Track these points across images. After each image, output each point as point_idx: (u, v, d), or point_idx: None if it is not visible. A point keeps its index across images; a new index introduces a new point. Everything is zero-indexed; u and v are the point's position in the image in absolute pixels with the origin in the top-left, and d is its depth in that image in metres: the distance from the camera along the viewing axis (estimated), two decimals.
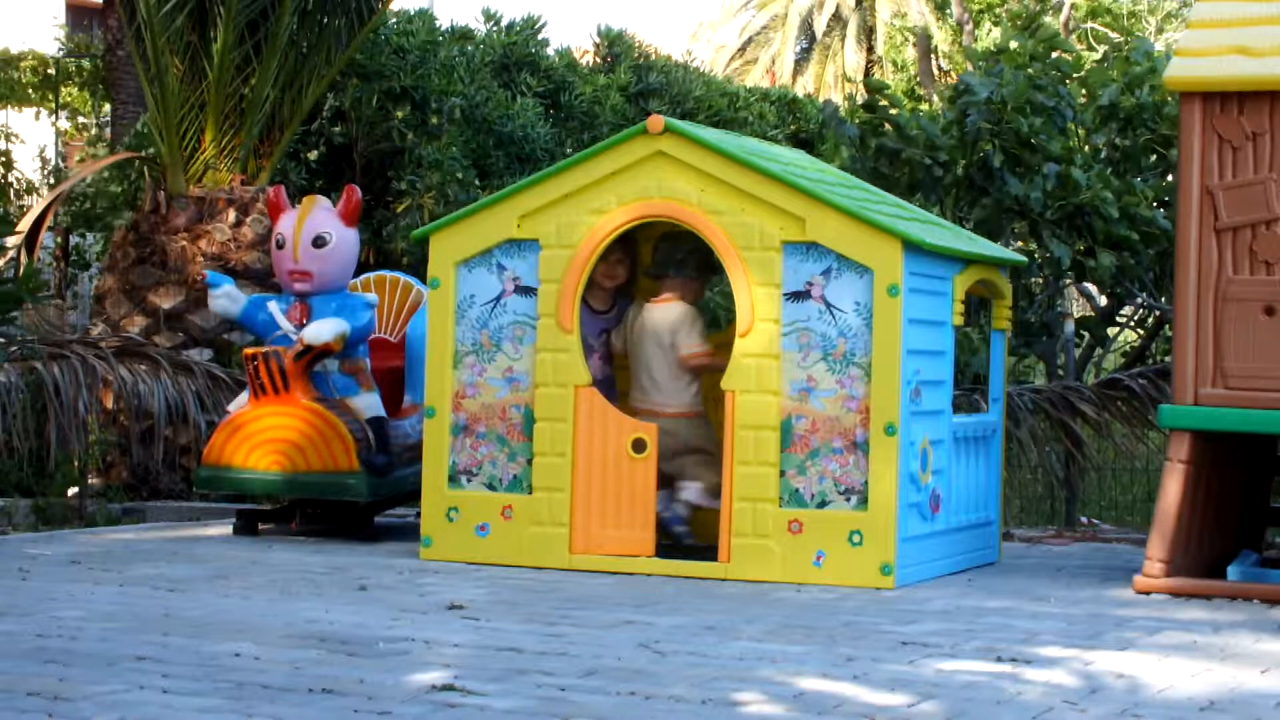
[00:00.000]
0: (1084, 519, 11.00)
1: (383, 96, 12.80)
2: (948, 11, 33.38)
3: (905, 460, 7.60)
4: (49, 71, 18.67)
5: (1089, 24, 29.84)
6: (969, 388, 10.57)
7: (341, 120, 12.95)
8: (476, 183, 12.48)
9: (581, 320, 8.07)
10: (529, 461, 8.03)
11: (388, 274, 9.92)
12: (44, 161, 16.07)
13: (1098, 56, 12.10)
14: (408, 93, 12.81)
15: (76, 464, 10.72)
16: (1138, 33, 24.57)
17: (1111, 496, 11.86)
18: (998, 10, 30.75)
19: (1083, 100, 11.73)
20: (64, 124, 19.13)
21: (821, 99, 20.42)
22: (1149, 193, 11.14)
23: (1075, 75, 11.69)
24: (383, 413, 9.10)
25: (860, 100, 11.88)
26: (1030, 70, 11.30)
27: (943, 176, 11.32)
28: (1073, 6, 29.68)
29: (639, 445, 7.91)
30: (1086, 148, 11.60)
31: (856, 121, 11.55)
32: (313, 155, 12.98)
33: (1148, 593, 7.43)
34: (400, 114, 12.63)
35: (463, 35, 13.97)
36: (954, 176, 11.33)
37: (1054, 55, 11.68)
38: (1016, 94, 10.98)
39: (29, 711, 4.72)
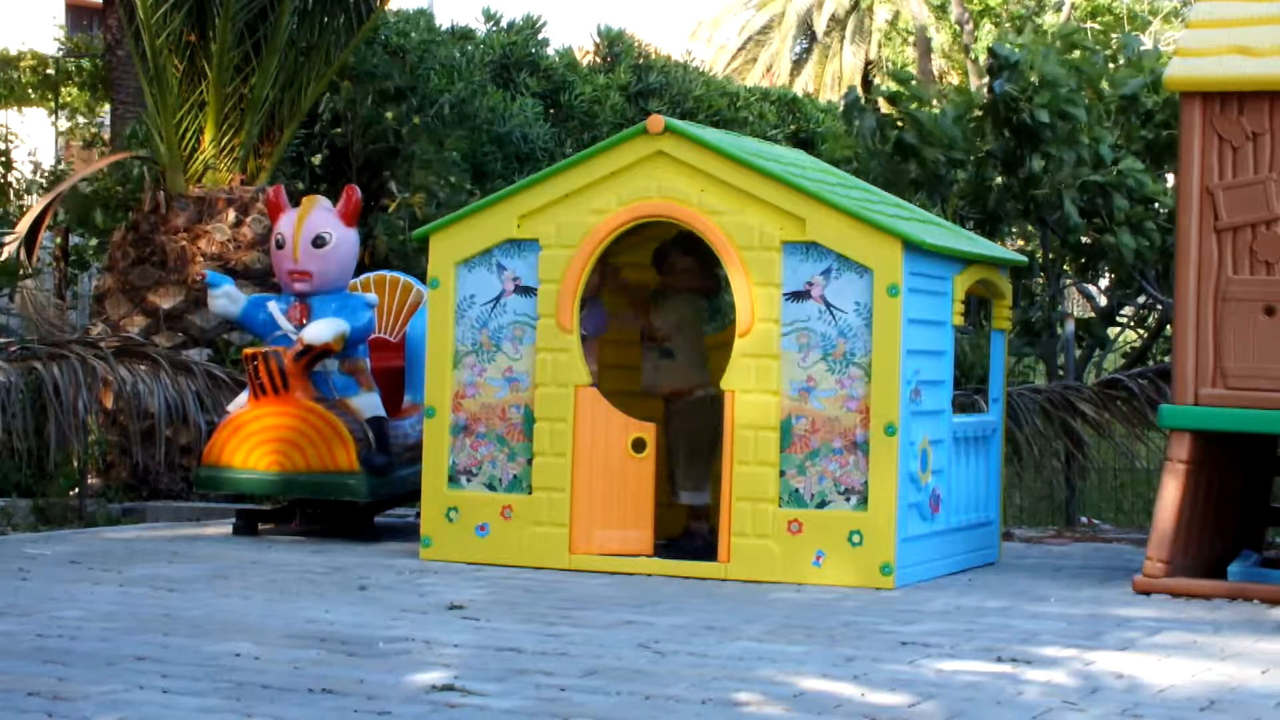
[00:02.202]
0: (1084, 519, 11.01)
1: (378, 97, 12.80)
2: (947, 10, 33.37)
3: (905, 460, 7.59)
4: (49, 71, 18.67)
5: (1089, 24, 29.84)
6: (970, 388, 10.56)
7: (340, 122, 12.95)
8: (469, 186, 12.46)
9: (590, 317, 8.14)
10: (529, 461, 8.03)
11: (388, 274, 9.92)
12: (37, 165, 16.06)
13: (1094, 55, 12.06)
14: (402, 93, 12.81)
15: (76, 464, 10.71)
16: (1132, 31, 24.58)
17: (1111, 496, 11.86)
18: (997, 10, 30.75)
19: (1086, 98, 11.72)
20: (64, 124, 19.13)
21: (821, 99, 20.42)
22: (1167, 190, 11.14)
23: (1086, 75, 11.68)
24: (383, 413, 9.10)
25: (881, 92, 11.86)
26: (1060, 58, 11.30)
27: (947, 174, 11.31)
28: (1073, 6, 29.68)
29: (639, 445, 7.91)
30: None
31: (875, 113, 11.54)
32: (316, 159, 12.97)
33: (1148, 593, 7.43)
34: (390, 114, 12.63)
35: (463, 35, 13.96)
36: (976, 159, 11.28)
37: (1073, 54, 11.69)
38: (1047, 69, 10.97)
39: (29, 711, 4.71)
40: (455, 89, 12.85)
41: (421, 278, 9.65)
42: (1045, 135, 10.93)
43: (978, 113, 11.37)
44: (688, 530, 8.46)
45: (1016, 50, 11.25)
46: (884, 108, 11.70)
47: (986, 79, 11.36)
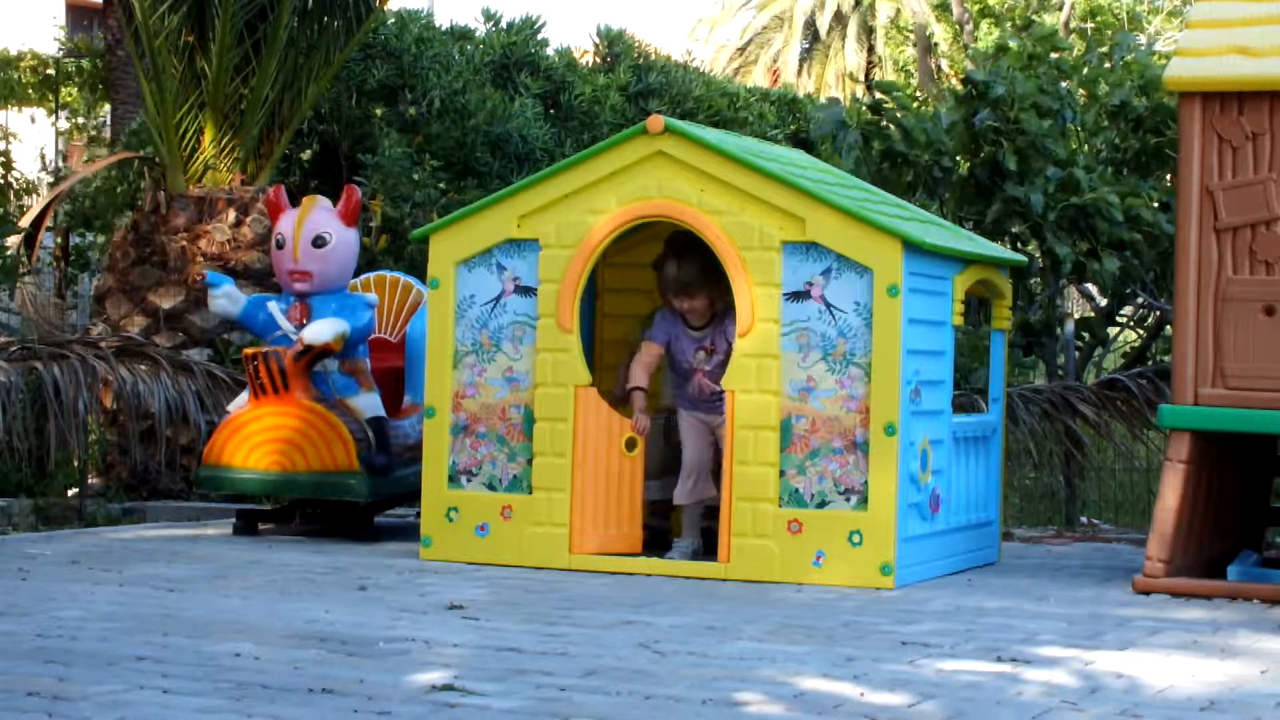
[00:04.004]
0: (1084, 519, 11.01)
1: (361, 96, 12.80)
2: (948, 11, 33.37)
3: (905, 460, 7.60)
4: (49, 71, 18.67)
5: (1088, 24, 29.85)
6: (968, 388, 10.57)
7: (325, 120, 12.95)
8: (441, 185, 12.42)
9: (679, 337, 8.09)
10: (529, 461, 8.04)
11: (388, 274, 9.92)
12: (44, 160, 16.07)
13: (1087, 54, 12.08)
14: (391, 90, 12.80)
15: (76, 464, 10.72)
16: (1131, 30, 24.59)
17: (1111, 496, 11.86)
18: (997, 10, 30.76)
19: (1082, 99, 11.72)
20: (64, 124, 19.14)
21: (823, 99, 20.41)
22: (1153, 195, 11.13)
23: (1075, 76, 11.68)
24: (383, 413, 9.10)
25: (865, 101, 11.88)
26: (1032, 72, 11.29)
27: (944, 177, 11.31)
28: (1072, 6, 29.69)
29: (630, 444, 7.92)
30: (1086, 148, 11.60)
31: (860, 124, 11.54)
32: (305, 155, 12.96)
33: (1148, 593, 7.43)
34: (379, 110, 12.62)
35: (462, 35, 13.96)
36: (958, 176, 11.31)
37: (1053, 55, 11.68)
38: (1025, 95, 10.97)
39: (29, 711, 4.71)
40: (446, 79, 12.84)
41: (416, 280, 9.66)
42: (1015, 174, 10.95)
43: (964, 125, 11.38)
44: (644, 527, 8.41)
45: (993, 69, 11.24)
46: (870, 119, 11.68)
47: (967, 104, 11.34)
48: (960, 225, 10.81)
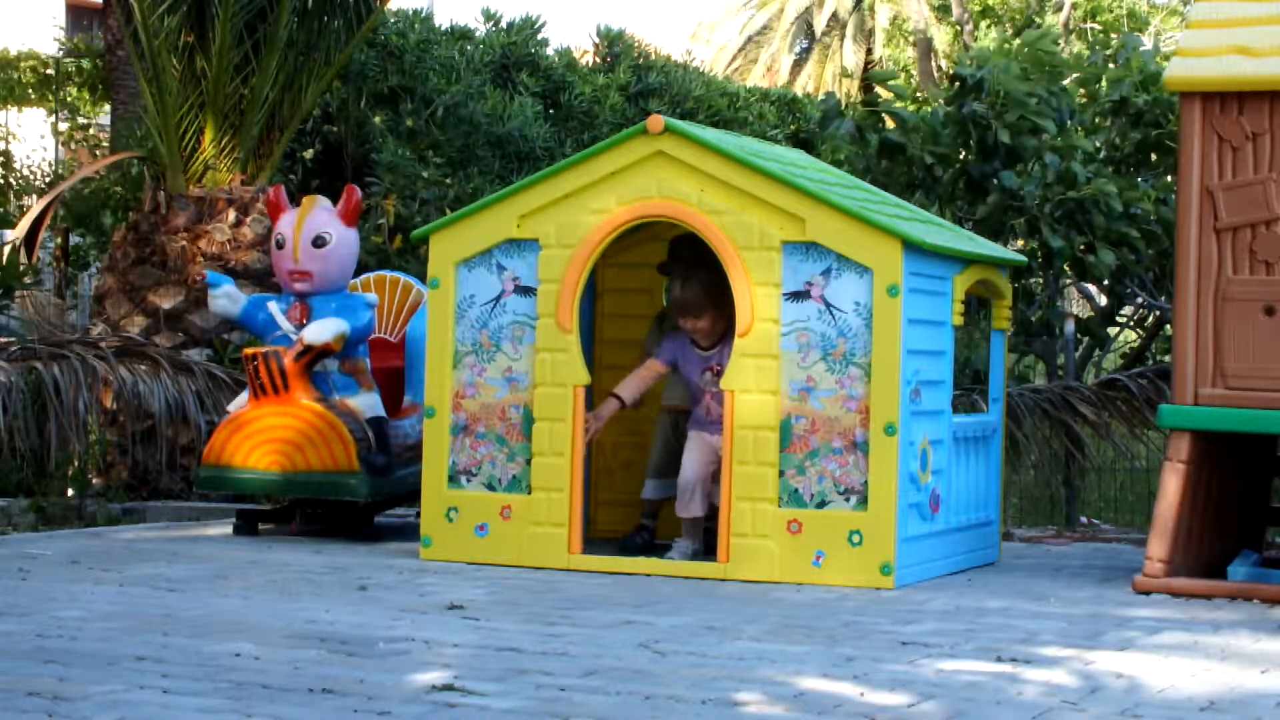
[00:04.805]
0: (1084, 519, 11.01)
1: (370, 99, 12.80)
2: (948, 13, 33.37)
3: (905, 460, 7.59)
4: (49, 72, 18.67)
5: (1088, 24, 29.85)
6: (968, 387, 10.57)
7: (332, 121, 12.95)
8: (448, 180, 12.43)
9: (687, 357, 8.08)
10: (528, 461, 8.04)
11: (388, 274, 9.92)
12: (28, 168, 16.06)
13: (1091, 55, 12.08)
14: (396, 93, 12.80)
15: (76, 464, 10.72)
16: (1132, 30, 24.58)
17: (1111, 496, 11.86)
18: (997, 10, 30.77)
19: (1082, 99, 11.72)
20: (64, 124, 19.14)
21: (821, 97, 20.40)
22: (1151, 192, 11.13)
23: (1074, 75, 11.67)
24: (383, 413, 9.10)
25: (859, 96, 11.91)
26: (1024, 72, 11.30)
27: (942, 175, 11.31)
28: (1073, 6, 29.70)
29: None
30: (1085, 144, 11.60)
31: (854, 116, 11.53)
32: (308, 154, 12.98)
33: (1148, 593, 7.43)
34: (378, 117, 12.63)
35: (462, 35, 13.97)
36: (954, 172, 11.30)
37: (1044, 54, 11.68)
38: (1010, 78, 10.97)
39: (29, 711, 4.71)
40: (451, 89, 12.85)
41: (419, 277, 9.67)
42: (1012, 154, 10.94)
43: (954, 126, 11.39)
44: (641, 527, 8.46)
45: (982, 66, 11.24)
46: (864, 112, 11.69)
47: (956, 100, 11.35)
48: (959, 224, 10.81)
